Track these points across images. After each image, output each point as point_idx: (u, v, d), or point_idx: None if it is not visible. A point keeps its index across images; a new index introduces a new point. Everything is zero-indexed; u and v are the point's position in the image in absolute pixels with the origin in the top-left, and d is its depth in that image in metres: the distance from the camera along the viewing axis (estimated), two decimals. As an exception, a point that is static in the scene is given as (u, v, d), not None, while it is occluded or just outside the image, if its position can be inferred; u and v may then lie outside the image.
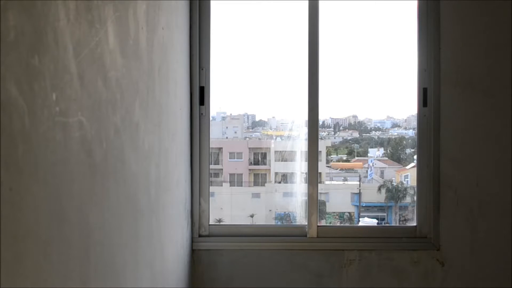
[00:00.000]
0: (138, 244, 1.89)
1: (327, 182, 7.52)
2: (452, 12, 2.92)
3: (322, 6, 3.00)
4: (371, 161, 8.32)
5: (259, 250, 2.97)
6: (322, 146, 7.05)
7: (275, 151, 7.17)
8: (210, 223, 3.05)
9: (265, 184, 7.31)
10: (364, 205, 7.77)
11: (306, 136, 3.05)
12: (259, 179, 7.32)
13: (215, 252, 2.97)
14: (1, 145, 0.95)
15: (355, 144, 8.28)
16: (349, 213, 7.64)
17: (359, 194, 7.71)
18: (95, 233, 1.44)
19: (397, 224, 7.74)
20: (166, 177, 2.34)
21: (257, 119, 7.43)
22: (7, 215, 0.97)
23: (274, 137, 7.25)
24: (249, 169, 7.19)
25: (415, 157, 3.23)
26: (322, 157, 6.98)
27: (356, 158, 8.19)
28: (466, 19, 2.92)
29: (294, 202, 6.45)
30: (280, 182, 7.25)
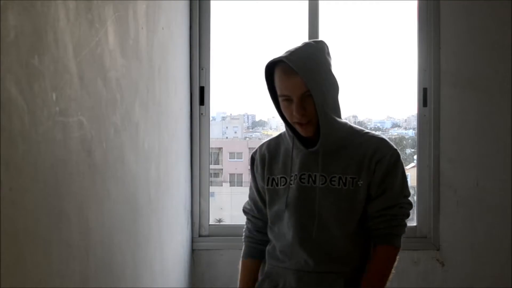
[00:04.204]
0: (137, 244, 1.89)
1: (327, 182, 7.49)
2: (452, 12, 2.92)
3: (322, 6, 3.00)
4: (371, 161, 8.29)
5: (259, 250, 2.96)
6: (322, 146, 7.00)
7: (275, 151, 7.14)
8: (210, 223, 3.05)
9: (265, 184, 7.28)
10: (364, 205, 7.75)
11: (306, 136, 3.04)
12: (259, 179, 7.29)
13: (215, 252, 2.97)
14: (1, 145, 0.95)
15: (355, 144, 8.26)
16: (349, 213, 7.62)
17: (359, 194, 7.69)
18: (95, 233, 1.44)
19: (397, 224, 7.72)
20: (166, 177, 2.34)
21: (257, 119, 7.41)
22: (7, 215, 0.97)
23: (274, 137, 7.22)
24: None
25: (415, 157, 3.23)
26: (322, 157, 6.94)
27: (356, 158, 8.17)
28: (466, 19, 2.92)
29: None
30: (280, 182, 7.21)
